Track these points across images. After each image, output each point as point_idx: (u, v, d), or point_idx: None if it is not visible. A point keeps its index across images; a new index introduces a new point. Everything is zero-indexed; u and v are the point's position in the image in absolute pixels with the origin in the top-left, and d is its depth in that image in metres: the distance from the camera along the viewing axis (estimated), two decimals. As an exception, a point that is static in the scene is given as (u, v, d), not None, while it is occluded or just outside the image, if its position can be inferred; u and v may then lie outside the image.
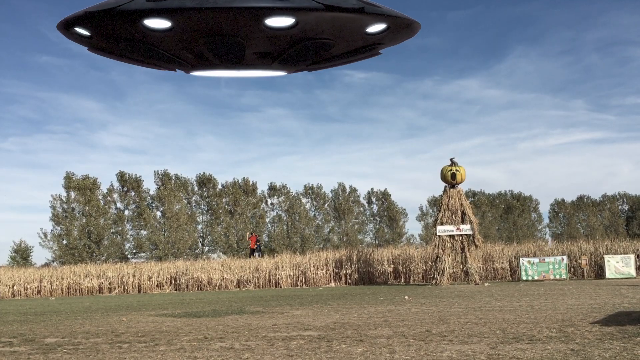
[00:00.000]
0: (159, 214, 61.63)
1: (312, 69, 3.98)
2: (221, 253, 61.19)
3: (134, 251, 60.82)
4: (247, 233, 22.99)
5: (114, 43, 3.43)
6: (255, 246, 22.58)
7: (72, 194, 59.14)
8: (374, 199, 70.00)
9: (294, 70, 3.90)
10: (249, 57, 3.56)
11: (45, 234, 58.24)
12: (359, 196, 69.19)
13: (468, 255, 35.83)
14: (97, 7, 3.12)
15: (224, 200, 63.61)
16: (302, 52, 3.54)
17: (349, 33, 3.41)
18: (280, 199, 66.35)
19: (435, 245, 36.56)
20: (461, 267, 36.14)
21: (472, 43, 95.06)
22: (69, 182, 59.11)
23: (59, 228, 58.49)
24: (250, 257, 23.01)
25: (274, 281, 44.55)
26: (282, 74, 3.90)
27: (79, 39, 3.43)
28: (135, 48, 3.47)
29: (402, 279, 43.40)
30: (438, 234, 36.29)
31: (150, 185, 63.45)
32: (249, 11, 3.03)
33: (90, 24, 3.25)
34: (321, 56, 3.68)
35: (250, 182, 64.90)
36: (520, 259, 38.43)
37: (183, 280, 45.25)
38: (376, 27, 3.38)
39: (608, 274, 36.68)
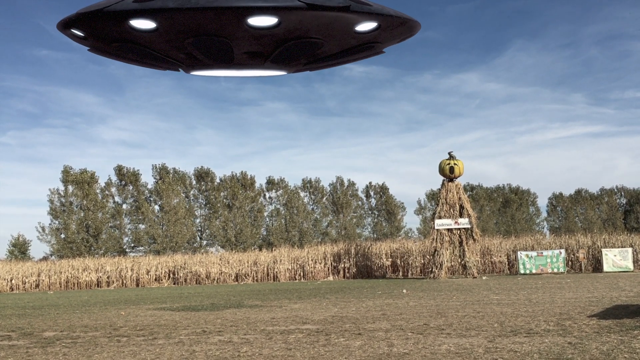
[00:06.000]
0: (157, 207, 61.62)
1: (313, 68, 3.95)
2: (219, 247, 61.24)
3: (132, 245, 60.79)
4: None
5: (108, 44, 3.45)
6: None
7: (70, 188, 59.05)
8: (372, 193, 69.98)
9: (293, 70, 3.87)
10: (240, 57, 3.54)
11: (43, 228, 58.23)
12: (357, 190, 69.17)
13: (466, 249, 35.89)
14: (88, 8, 3.14)
15: (222, 194, 63.58)
16: (291, 52, 3.51)
17: (337, 32, 3.38)
18: (278, 192, 66.35)
19: (433, 239, 36.60)
20: (459, 260, 36.20)
21: (472, 37, 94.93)
22: (67, 176, 59.01)
23: (57, 222, 58.45)
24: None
25: (272, 275, 44.62)
26: (282, 73, 3.87)
27: (78, 39, 3.45)
28: (128, 48, 3.48)
29: (400, 272, 43.47)
30: (436, 227, 36.34)
31: (148, 179, 63.60)
32: (231, 10, 3.02)
33: (84, 26, 3.26)
34: (313, 55, 3.64)
35: (249, 176, 64.91)
36: (518, 252, 38.48)
37: (181, 274, 45.31)
38: (366, 26, 3.33)
39: (606, 268, 36.74)
